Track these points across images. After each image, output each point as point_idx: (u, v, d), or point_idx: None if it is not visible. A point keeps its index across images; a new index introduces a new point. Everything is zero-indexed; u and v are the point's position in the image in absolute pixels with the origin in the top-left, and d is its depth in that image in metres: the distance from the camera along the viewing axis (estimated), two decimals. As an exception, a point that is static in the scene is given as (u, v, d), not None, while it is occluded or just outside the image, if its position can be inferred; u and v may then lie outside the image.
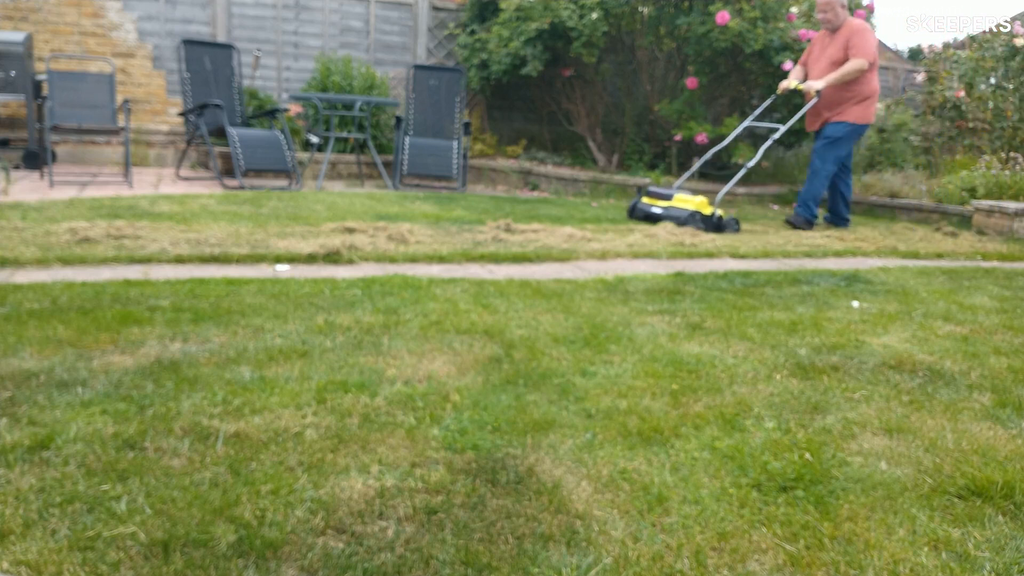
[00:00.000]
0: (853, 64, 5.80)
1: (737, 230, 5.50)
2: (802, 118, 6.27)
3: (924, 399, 2.31)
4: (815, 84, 5.89)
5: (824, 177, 6.04)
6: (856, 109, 5.93)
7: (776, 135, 6.06)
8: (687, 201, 5.54)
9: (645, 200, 5.84)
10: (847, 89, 5.90)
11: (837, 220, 6.41)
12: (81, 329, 2.42)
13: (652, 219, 5.66)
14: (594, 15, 7.28)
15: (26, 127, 6.77)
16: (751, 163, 6.12)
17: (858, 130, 6.02)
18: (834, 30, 6.01)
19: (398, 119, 7.42)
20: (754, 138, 8.57)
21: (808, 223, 6.00)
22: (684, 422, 2.02)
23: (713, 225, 5.41)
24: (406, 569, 1.35)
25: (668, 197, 5.71)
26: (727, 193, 7.75)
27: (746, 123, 6.48)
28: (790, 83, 6.08)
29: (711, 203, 5.65)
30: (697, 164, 6.59)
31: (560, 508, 1.57)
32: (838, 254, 4.94)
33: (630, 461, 1.79)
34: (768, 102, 6.63)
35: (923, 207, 7.32)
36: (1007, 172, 7.29)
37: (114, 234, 3.88)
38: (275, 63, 8.13)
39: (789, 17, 7.44)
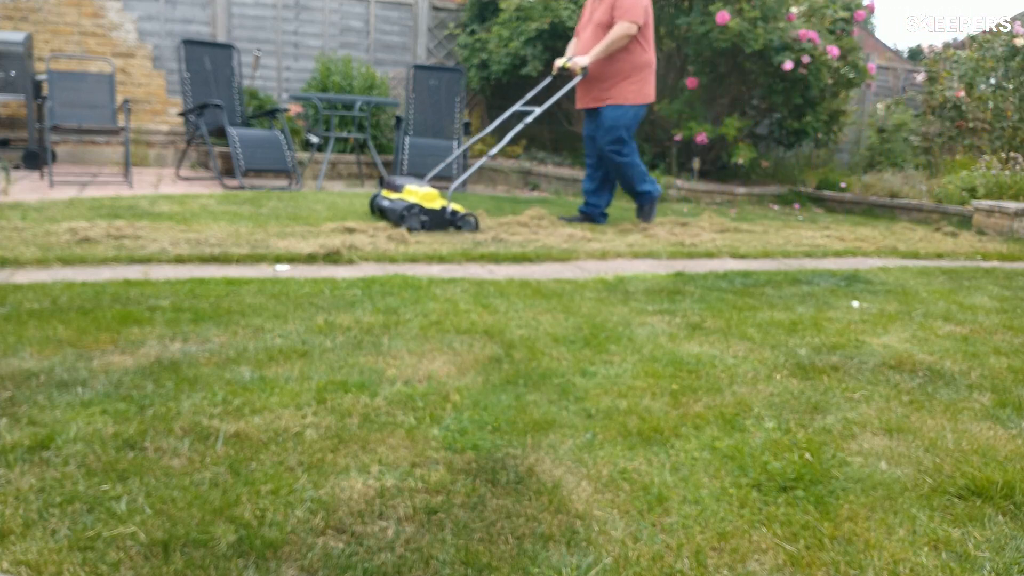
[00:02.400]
0: (619, 29, 5.08)
1: (475, 228, 4.83)
2: (572, 96, 5.60)
3: (924, 399, 2.31)
4: (580, 60, 5.22)
5: (634, 165, 5.43)
6: (630, 87, 5.26)
7: (528, 119, 5.41)
8: (412, 193, 4.81)
9: (383, 192, 5.17)
10: (616, 60, 5.21)
11: (595, 215, 5.67)
12: (81, 329, 2.42)
13: (383, 213, 5.01)
14: (594, 15, 7.27)
15: (26, 127, 6.77)
16: (493, 152, 5.44)
17: (639, 111, 5.35)
18: None
19: (398, 119, 7.42)
20: (754, 138, 8.58)
21: (652, 209, 5.57)
22: (684, 422, 2.02)
23: (444, 221, 4.77)
24: (406, 569, 1.35)
25: (398, 188, 4.98)
26: (722, 193, 7.77)
27: (515, 108, 5.71)
28: (561, 61, 5.39)
29: (443, 195, 4.97)
30: (456, 154, 5.77)
31: (560, 508, 1.57)
32: (838, 254, 4.94)
33: (630, 461, 1.79)
34: (543, 84, 5.95)
35: (923, 207, 7.33)
36: (1007, 172, 7.30)
37: (114, 234, 3.88)
38: (275, 63, 8.13)
39: (789, 17, 7.45)
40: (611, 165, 5.48)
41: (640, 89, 5.29)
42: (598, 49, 5.15)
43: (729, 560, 1.44)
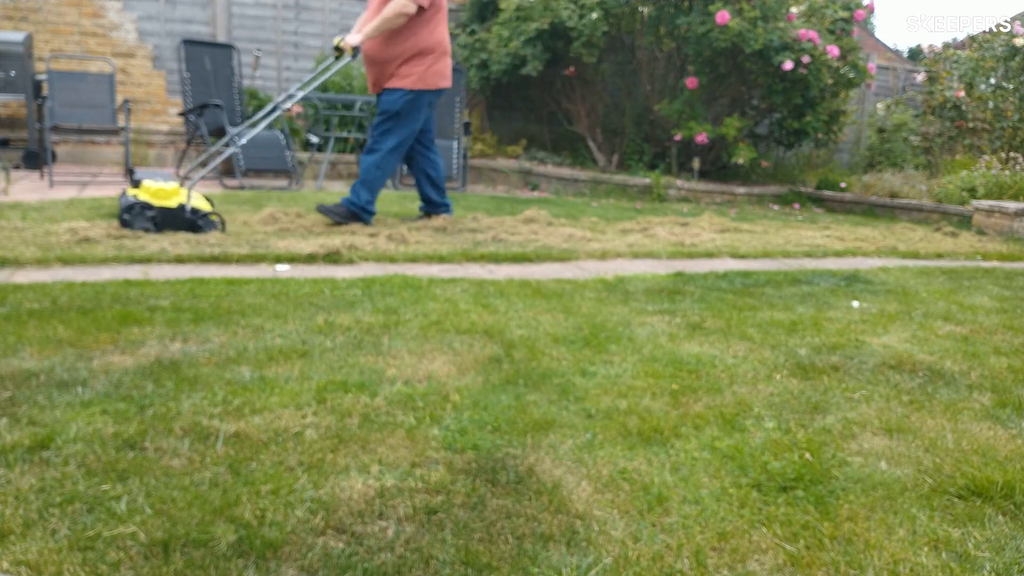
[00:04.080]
0: (391, 7, 4.52)
1: (220, 230, 4.20)
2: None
3: (924, 399, 2.31)
4: (351, 40, 4.66)
5: (384, 160, 4.79)
6: (412, 70, 4.68)
7: (288, 104, 4.94)
8: (145, 189, 4.18)
9: (127, 189, 4.53)
10: (398, 42, 4.64)
11: (434, 208, 5.19)
12: (81, 329, 2.42)
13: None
14: (594, 15, 7.29)
15: (26, 127, 6.77)
16: (242, 141, 5.02)
17: (420, 97, 4.75)
18: None
19: (398, 119, 7.41)
20: (754, 138, 8.58)
21: (354, 215, 4.73)
22: (684, 422, 2.02)
23: (181, 220, 4.13)
24: (406, 569, 1.35)
25: (137, 184, 4.36)
26: (722, 193, 7.77)
27: (291, 91, 5.32)
28: (337, 39, 4.82)
29: (184, 190, 4.29)
30: (220, 150, 5.37)
31: (560, 508, 1.57)
32: (838, 254, 4.94)
33: (630, 461, 1.79)
34: (327, 63, 5.43)
35: (923, 207, 7.33)
36: (1007, 172, 7.30)
37: (114, 234, 3.88)
38: (275, 63, 8.13)
39: (789, 17, 7.45)
40: (367, 146, 4.90)
41: (422, 74, 4.69)
42: (369, 28, 4.60)
43: (729, 560, 1.44)
